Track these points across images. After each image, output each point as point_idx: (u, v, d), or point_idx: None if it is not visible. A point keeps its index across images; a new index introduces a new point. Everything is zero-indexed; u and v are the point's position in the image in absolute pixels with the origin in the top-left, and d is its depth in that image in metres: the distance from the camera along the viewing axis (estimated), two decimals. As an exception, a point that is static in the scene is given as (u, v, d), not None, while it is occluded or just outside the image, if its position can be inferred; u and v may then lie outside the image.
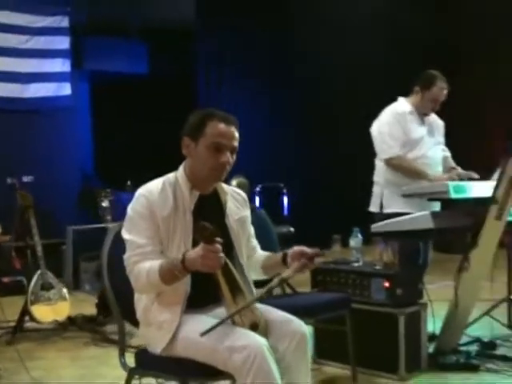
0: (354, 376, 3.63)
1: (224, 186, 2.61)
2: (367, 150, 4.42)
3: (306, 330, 2.44)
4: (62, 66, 8.00)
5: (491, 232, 3.73)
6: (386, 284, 3.61)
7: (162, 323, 2.40)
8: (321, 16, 8.82)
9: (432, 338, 3.98)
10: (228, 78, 8.36)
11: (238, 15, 8.32)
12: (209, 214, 2.40)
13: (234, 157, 2.48)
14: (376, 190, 4.30)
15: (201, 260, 2.17)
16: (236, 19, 8.33)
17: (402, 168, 4.11)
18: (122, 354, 2.62)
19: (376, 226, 3.78)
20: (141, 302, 2.48)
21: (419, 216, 3.60)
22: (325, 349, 3.90)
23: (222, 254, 2.18)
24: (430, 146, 4.24)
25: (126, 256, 2.40)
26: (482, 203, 3.71)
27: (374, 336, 3.67)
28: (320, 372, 3.83)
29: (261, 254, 2.70)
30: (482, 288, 4.02)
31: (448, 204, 3.95)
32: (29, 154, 7.48)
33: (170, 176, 2.52)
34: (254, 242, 2.72)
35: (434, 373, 3.71)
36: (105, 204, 5.02)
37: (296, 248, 2.46)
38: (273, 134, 8.59)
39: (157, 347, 2.41)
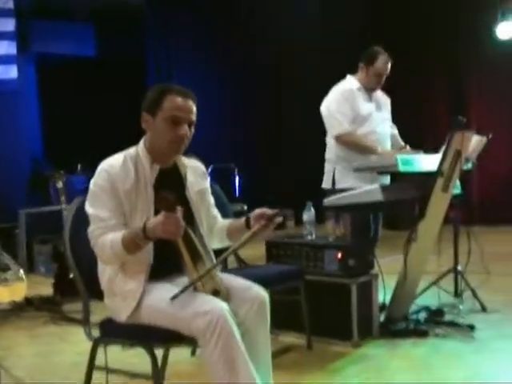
0: (309, 344, 3.78)
1: (184, 159, 2.69)
2: (318, 128, 4.54)
3: (266, 295, 2.56)
4: (7, 48, 7.85)
5: (438, 204, 3.91)
6: (339, 255, 3.76)
7: (127, 293, 2.48)
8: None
9: (383, 307, 4.15)
10: (177, 58, 8.37)
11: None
12: (169, 187, 2.47)
13: (193, 130, 2.56)
14: (328, 166, 4.43)
15: (161, 227, 2.26)
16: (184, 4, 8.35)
17: (352, 144, 4.24)
18: (86, 325, 2.69)
19: (328, 201, 3.91)
20: (105, 273, 2.55)
21: (369, 189, 3.74)
22: (281, 319, 3.96)
23: (182, 222, 2.27)
24: (379, 121, 4.38)
25: (89, 230, 2.47)
26: (430, 176, 3.88)
27: (327, 306, 3.81)
28: (276, 341, 3.93)
29: (223, 222, 2.80)
30: (430, 261, 4.20)
31: (397, 178, 4.11)
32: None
33: (131, 150, 2.59)
34: (215, 212, 2.82)
35: (385, 339, 3.88)
36: (59, 185, 5.00)
37: (257, 210, 2.57)
38: (223, 115, 8.66)
39: (121, 316, 2.50)
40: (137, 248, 2.37)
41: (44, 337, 4.26)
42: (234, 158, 7.83)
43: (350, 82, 4.40)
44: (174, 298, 2.32)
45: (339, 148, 4.32)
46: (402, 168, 3.67)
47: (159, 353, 2.95)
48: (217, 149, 8.14)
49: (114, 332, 2.57)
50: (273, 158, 8.95)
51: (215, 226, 2.78)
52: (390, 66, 4.33)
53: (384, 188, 3.74)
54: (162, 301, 2.40)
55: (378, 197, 3.70)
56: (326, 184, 4.39)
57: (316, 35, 8.96)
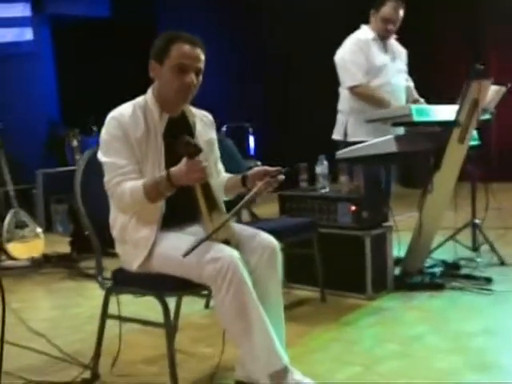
0: (323, 297, 3.78)
1: (192, 108, 2.67)
2: (330, 80, 4.47)
3: (277, 244, 2.54)
4: (22, 10, 7.87)
5: (454, 155, 3.86)
6: (352, 208, 3.73)
7: (138, 241, 2.48)
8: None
9: (398, 261, 4.13)
10: (190, 18, 8.28)
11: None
12: (178, 136, 2.45)
13: (200, 79, 2.52)
14: (340, 118, 4.36)
15: (186, 174, 2.24)
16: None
17: (366, 95, 4.17)
18: (99, 274, 2.70)
19: (340, 153, 3.87)
20: (117, 221, 2.54)
21: (383, 140, 3.68)
22: (294, 273, 4.03)
23: (206, 164, 2.25)
24: (393, 73, 4.29)
25: (106, 179, 2.44)
26: (445, 126, 3.82)
27: (341, 259, 3.80)
28: (290, 295, 3.96)
29: (224, 175, 2.79)
30: (446, 217, 4.16)
31: (412, 130, 4.06)
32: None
33: (139, 99, 2.57)
34: (220, 165, 2.81)
35: (400, 292, 3.87)
36: (74, 144, 5.03)
37: (256, 168, 2.55)
38: (235, 76, 8.58)
39: (133, 264, 2.50)
40: (159, 196, 2.36)
41: (61, 291, 4.32)
42: (248, 118, 7.78)
43: (365, 32, 4.31)
44: (187, 254, 2.28)
45: (353, 99, 4.25)
46: (415, 118, 3.60)
47: (172, 303, 3.02)
48: (230, 108, 8.10)
49: (125, 281, 2.58)
50: (286, 115, 8.86)
51: (218, 179, 2.76)
52: (401, 12, 4.22)
53: (398, 139, 3.69)
54: (173, 249, 2.39)
55: (392, 148, 3.64)
56: (338, 135, 4.33)
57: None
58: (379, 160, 3.79)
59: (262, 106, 8.76)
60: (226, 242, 2.42)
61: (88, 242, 2.76)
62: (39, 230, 4.88)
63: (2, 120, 6.57)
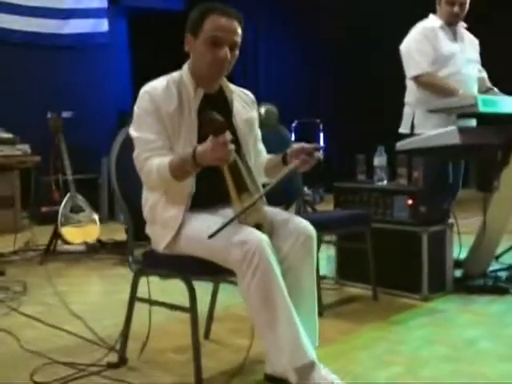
0: (375, 295, 3.58)
1: (231, 85, 2.54)
2: (398, 73, 4.25)
3: (313, 230, 2.37)
4: (99, 2, 7.98)
5: (524, 150, 3.58)
6: (409, 201, 3.52)
7: (167, 220, 2.37)
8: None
9: (459, 264, 3.88)
10: (263, 13, 8.18)
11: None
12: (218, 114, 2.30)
13: (237, 53, 2.39)
14: (407, 110, 4.15)
15: (210, 153, 2.11)
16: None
17: (432, 85, 3.93)
18: (130, 254, 2.62)
19: (401, 144, 3.65)
20: (148, 200, 2.45)
21: (446, 131, 3.44)
22: (347, 269, 3.86)
23: (231, 146, 2.12)
24: (464, 62, 4.05)
25: (135, 154, 2.36)
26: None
27: (397, 256, 3.59)
28: (341, 291, 3.79)
29: (265, 157, 2.65)
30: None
31: (480, 123, 3.79)
32: (67, 91, 7.49)
33: (175, 74, 2.47)
34: (261, 146, 2.66)
35: (459, 295, 3.62)
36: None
37: (294, 145, 2.40)
38: (306, 71, 8.40)
39: (160, 245, 2.40)
40: (185, 174, 2.24)
41: (111, 277, 4.28)
42: (318, 113, 7.60)
43: (432, 20, 4.09)
44: (212, 235, 2.16)
45: (419, 90, 4.03)
46: (482, 109, 3.33)
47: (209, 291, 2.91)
48: (303, 104, 7.95)
49: (153, 263, 2.49)
50: (356, 110, 8.58)
51: (258, 161, 2.62)
52: None
53: (462, 130, 3.43)
54: (200, 230, 2.27)
55: (455, 139, 3.39)
56: (405, 128, 4.11)
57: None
58: (442, 152, 3.55)
59: (331, 101, 8.55)
60: (258, 227, 2.28)
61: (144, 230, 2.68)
62: (95, 215, 4.88)
63: (74, 109, 6.72)
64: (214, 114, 2.12)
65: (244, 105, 2.57)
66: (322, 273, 3.74)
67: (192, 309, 2.32)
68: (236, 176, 2.29)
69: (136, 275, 2.55)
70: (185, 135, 2.36)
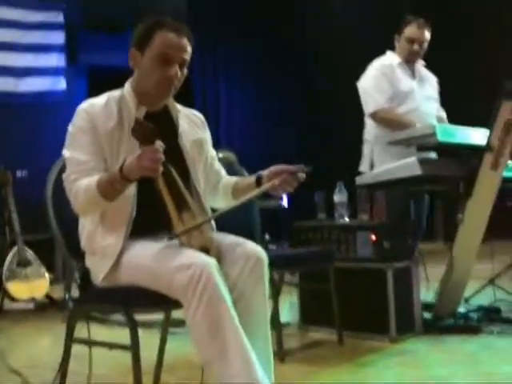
0: (340, 338, 3.35)
1: (177, 104, 2.38)
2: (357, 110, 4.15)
3: (263, 253, 2.16)
4: (57, 60, 7.85)
5: (487, 183, 3.44)
6: (372, 237, 3.35)
7: (106, 248, 2.14)
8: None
9: (427, 307, 3.69)
10: (223, 65, 8.15)
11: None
12: (158, 134, 2.07)
13: (185, 71, 2.23)
14: (366, 148, 4.04)
15: (136, 162, 1.91)
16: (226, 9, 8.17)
17: (389, 120, 3.84)
18: (68, 290, 2.39)
19: (361, 178, 3.51)
20: (84, 229, 2.23)
21: (406, 163, 3.32)
22: (310, 313, 3.65)
23: (160, 154, 1.93)
24: (422, 99, 3.97)
25: (65, 175, 2.16)
26: (475, 151, 3.43)
27: (362, 296, 3.41)
28: (304, 337, 3.56)
29: (229, 178, 2.46)
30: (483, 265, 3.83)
31: (440, 154, 3.69)
32: (23, 149, 7.30)
33: (115, 92, 2.30)
34: (219, 167, 2.47)
35: (428, 335, 3.42)
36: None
37: (273, 167, 2.22)
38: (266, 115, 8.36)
39: (99, 276, 2.17)
40: (113, 192, 2.03)
41: (59, 332, 3.93)
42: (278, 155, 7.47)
43: (390, 57, 4.04)
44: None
45: (377, 127, 3.93)
46: (440, 138, 3.23)
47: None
48: (259, 147, 7.85)
49: (90, 296, 2.26)
50: (314, 149, 8.50)
51: (220, 182, 2.43)
52: (426, 33, 3.93)
53: (423, 161, 3.31)
54: (142, 256, 2.07)
55: (417, 171, 3.27)
56: (364, 167, 3.98)
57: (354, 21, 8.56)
58: (402, 185, 3.42)
59: (292, 142, 8.49)
60: (204, 251, 2.07)
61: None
62: (43, 269, 4.60)
63: (29, 168, 6.53)
64: (142, 120, 1.94)
65: (192, 125, 2.39)
66: (283, 320, 3.52)
67: (133, 346, 2.07)
68: (173, 189, 2.08)
69: (72, 313, 2.31)
70: (124, 155, 2.15)
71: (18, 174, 7.08)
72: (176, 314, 3.55)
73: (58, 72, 7.85)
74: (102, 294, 2.20)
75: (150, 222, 2.18)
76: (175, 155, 2.22)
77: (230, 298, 1.98)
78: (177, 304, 2.00)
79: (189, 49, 2.22)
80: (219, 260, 2.09)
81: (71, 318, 2.30)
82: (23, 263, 4.53)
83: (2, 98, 7.36)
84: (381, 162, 3.87)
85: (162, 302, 2.05)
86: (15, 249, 4.57)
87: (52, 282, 4.88)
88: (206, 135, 2.45)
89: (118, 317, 4.00)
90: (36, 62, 7.70)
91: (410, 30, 3.92)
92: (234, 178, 2.45)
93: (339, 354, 3.19)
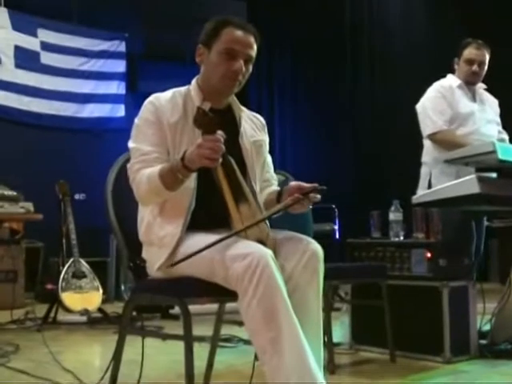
0: (393, 356, 3.28)
1: (240, 105, 2.42)
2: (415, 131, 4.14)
3: (319, 248, 2.16)
4: (117, 88, 8.13)
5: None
6: (428, 254, 3.30)
7: (163, 238, 2.17)
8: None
9: (483, 335, 3.59)
10: (279, 95, 8.23)
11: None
12: (219, 129, 2.09)
13: (250, 68, 2.28)
14: (424, 170, 4.00)
15: (197, 150, 1.95)
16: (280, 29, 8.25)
17: (448, 142, 3.79)
18: (124, 282, 2.41)
19: (417, 197, 3.46)
20: (143, 220, 2.27)
21: (464, 180, 3.25)
22: (362, 333, 3.58)
23: (221, 144, 1.96)
24: (483, 122, 3.93)
25: (129, 165, 2.22)
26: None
27: (415, 315, 3.33)
28: (356, 355, 3.50)
29: (270, 190, 2.45)
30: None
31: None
32: (81, 173, 7.47)
33: (182, 88, 2.37)
34: (270, 174, 2.48)
35: (484, 359, 3.31)
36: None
37: (292, 183, 2.23)
38: (324, 153, 8.36)
39: (155, 266, 2.19)
40: (175, 181, 2.06)
41: (110, 342, 3.96)
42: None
43: (450, 80, 4.02)
44: (206, 248, 1.98)
45: (436, 149, 3.90)
46: (501, 156, 3.16)
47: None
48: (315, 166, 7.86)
49: (145, 287, 2.28)
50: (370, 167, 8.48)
51: (266, 189, 2.44)
52: (486, 54, 3.92)
53: (482, 179, 3.24)
54: (198, 246, 2.08)
55: (475, 189, 3.20)
56: (422, 189, 3.94)
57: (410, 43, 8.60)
58: (460, 202, 3.35)
59: (347, 159, 8.47)
60: (261, 242, 2.08)
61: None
62: (97, 282, 4.66)
63: (85, 191, 6.69)
64: (205, 110, 1.98)
65: (253, 127, 2.43)
66: (335, 340, 3.47)
67: (186, 335, 2.08)
68: (232, 183, 2.11)
69: (128, 302, 2.33)
70: (186, 146, 2.18)
71: (76, 196, 7.22)
72: (225, 330, 3.61)
73: (118, 99, 8.10)
74: (156, 285, 2.22)
75: (208, 214, 2.22)
76: (235, 153, 2.25)
77: (286, 290, 1.97)
78: (231, 295, 2.00)
79: (254, 46, 2.28)
80: (275, 253, 2.08)
81: (126, 307, 2.33)
82: (78, 275, 4.61)
83: (63, 123, 7.62)
84: (439, 184, 3.81)
85: (217, 292, 2.06)
86: (71, 260, 4.65)
87: (104, 302, 4.96)
88: (266, 138, 2.48)
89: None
90: (97, 88, 7.98)
91: (468, 52, 3.92)
92: (272, 188, 2.45)
93: (391, 371, 3.12)
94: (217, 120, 1.98)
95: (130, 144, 2.26)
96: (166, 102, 2.26)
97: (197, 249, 2.03)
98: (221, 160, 2.00)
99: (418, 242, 3.40)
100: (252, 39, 2.27)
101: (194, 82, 2.36)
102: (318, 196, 2.16)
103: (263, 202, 2.39)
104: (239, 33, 2.24)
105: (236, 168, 2.14)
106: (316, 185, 2.15)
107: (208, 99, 2.27)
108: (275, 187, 2.47)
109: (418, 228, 3.47)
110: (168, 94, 2.31)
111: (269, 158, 2.50)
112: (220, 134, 1.97)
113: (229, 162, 2.10)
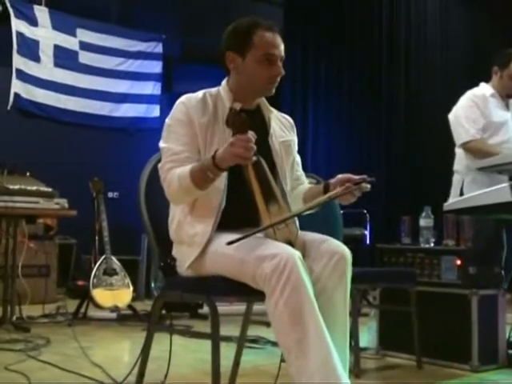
0: (419, 363, 3.27)
1: (270, 106, 2.45)
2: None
3: (347, 251, 2.17)
4: (153, 88, 8.18)
5: None
6: (458, 262, 3.28)
7: (194, 237, 2.21)
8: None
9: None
10: (313, 95, 8.19)
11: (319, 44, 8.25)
12: (250, 129, 2.11)
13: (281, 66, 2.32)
14: (456, 178, 3.97)
15: (229, 149, 1.98)
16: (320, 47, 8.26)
17: (481, 151, 3.76)
18: (154, 279, 2.45)
19: (449, 204, 3.44)
20: (174, 219, 2.30)
21: (496, 188, 3.22)
22: (389, 338, 3.58)
23: (253, 143, 1.98)
24: (517, 130, 3.91)
25: (160, 164, 2.26)
26: None
27: (444, 322, 3.32)
28: (383, 361, 3.49)
29: (304, 185, 2.49)
30: None
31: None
32: (114, 172, 7.55)
33: (213, 89, 2.40)
34: (300, 172, 2.52)
35: (512, 369, 3.29)
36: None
37: (341, 175, 2.25)
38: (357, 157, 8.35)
39: (185, 264, 2.23)
40: (205, 180, 2.09)
41: (139, 338, 4.00)
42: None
43: (483, 88, 3.99)
44: (233, 242, 1.99)
45: (468, 158, 3.87)
46: (537, 163, 3.15)
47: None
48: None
49: (175, 284, 2.31)
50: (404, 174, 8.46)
51: (298, 188, 2.47)
52: None
53: (515, 188, 3.23)
54: (228, 246, 2.11)
55: (507, 197, 3.18)
56: (454, 197, 3.91)
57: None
58: (492, 210, 3.32)
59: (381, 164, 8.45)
60: (289, 243, 2.10)
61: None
62: (128, 280, 4.72)
63: (119, 190, 6.77)
64: (237, 109, 2.02)
65: (282, 127, 2.46)
66: (362, 344, 3.47)
67: (214, 334, 2.10)
68: (262, 180, 2.13)
69: (157, 299, 2.37)
70: (217, 146, 2.22)
71: (110, 195, 7.30)
72: (254, 331, 3.63)
73: (154, 100, 8.16)
74: (185, 282, 2.26)
75: (238, 215, 2.24)
76: (264, 153, 2.27)
77: (313, 291, 1.99)
78: (259, 294, 2.02)
79: (282, 44, 2.31)
80: (303, 255, 2.10)
81: (155, 304, 2.37)
82: (109, 272, 4.68)
83: (98, 122, 7.69)
84: (471, 192, 3.79)
85: (245, 292, 2.08)
86: (103, 257, 4.72)
87: (134, 299, 5.02)
88: (294, 138, 2.51)
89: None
90: (133, 88, 8.04)
91: None
92: (307, 185, 2.48)
93: (417, 377, 3.12)
94: (248, 120, 2.01)
95: (161, 144, 2.29)
96: (197, 102, 2.29)
97: (229, 246, 2.06)
98: (253, 159, 2.03)
99: (448, 248, 3.38)
100: (280, 38, 2.31)
101: (224, 83, 2.39)
102: (369, 186, 2.18)
103: (302, 198, 2.42)
104: (269, 35, 2.27)
105: (267, 168, 2.17)
106: (365, 176, 2.19)
107: (238, 100, 2.31)
108: (308, 184, 2.49)
109: (449, 235, 3.46)
110: (199, 94, 2.34)
111: (298, 158, 2.52)
112: (251, 133, 2.00)
113: (260, 162, 2.12)
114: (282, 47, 2.30)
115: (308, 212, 2.25)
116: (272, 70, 2.25)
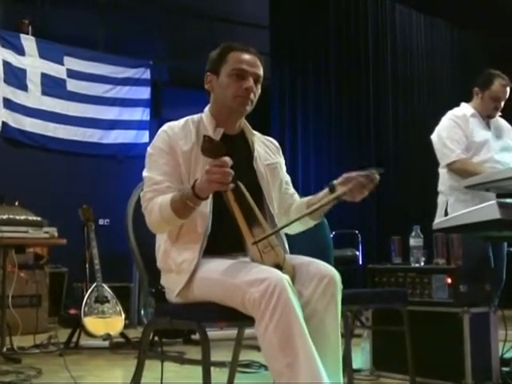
0: (413, 383, 3.23)
1: (252, 130, 2.46)
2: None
3: (336, 274, 2.17)
4: (142, 114, 8.21)
5: None
6: (448, 280, 3.28)
7: (181, 264, 2.21)
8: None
9: (505, 361, 3.55)
10: (301, 117, 8.20)
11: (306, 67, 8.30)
12: (234, 154, 2.10)
13: (259, 88, 2.34)
14: (440, 199, 4.00)
15: (206, 176, 1.98)
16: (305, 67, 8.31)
17: (466, 171, 3.78)
18: (144, 307, 2.44)
19: (438, 223, 3.46)
20: (160, 248, 2.31)
21: (484, 206, 3.24)
22: (383, 359, 3.57)
23: (229, 168, 1.98)
24: (497, 150, 3.93)
25: (141, 193, 2.28)
26: None
27: (436, 341, 3.32)
28: (378, 382, 3.49)
29: (301, 199, 2.50)
30: None
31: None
32: (105, 198, 7.54)
33: (195, 116, 2.41)
34: (292, 190, 2.53)
35: (507, 387, 3.29)
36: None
37: (347, 173, 2.25)
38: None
39: (174, 291, 2.22)
40: (186, 209, 2.10)
41: (129, 366, 4.01)
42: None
43: (463, 108, 4.03)
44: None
45: (452, 178, 3.90)
46: (523, 180, 3.18)
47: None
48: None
49: (164, 311, 2.30)
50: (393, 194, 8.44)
51: (293, 205, 2.48)
52: (508, 89, 3.92)
53: (503, 205, 3.24)
54: (216, 271, 2.11)
55: (495, 214, 3.20)
56: (439, 217, 3.93)
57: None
58: (480, 228, 3.34)
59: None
60: (278, 267, 2.10)
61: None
62: (120, 307, 4.70)
63: (109, 217, 6.78)
64: (211, 137, 2.02)
65: (267, 150, 2.47)
66: (356, 366, 3.46)
67: (204, 360, 2.09)
68: (244, 207, 2.14)
69: (147, 326, 2.36)
70: (200, 174, 2.23)
71: (101, 222, 7.27)
72: (246, 356, 3.61)
73: (143, 125, 8.19)
74: (175, 309, 2.25)
75: (224, 240, 2.25)
76: (250, 177, 2.30)
77: (303, 314, 1.98)
78: (249, 319, 2.02)
79: (261, 66, 2.34)
80: (292, 279, 2.11)
81: (145, 331, 2.36)
82: (101, 300, 4.65)
83: (88, 149, 7.71)
84: (454, 212, 3.80)
85: (234, 317, 2.08)
86: (94, 285, 4.70)
87: (127, 327, 4.99)
88: (281, 160, 2.52)
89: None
90: (122, 115, 8.07)
91: (495, 89, 3.91)
92: (306, 198, 2.48)
93: (412, 399, 3.09)
94: (222, 146, 2.01)
95: (144, 173, 2.31)
96: (179, 130, 2.30)
97: (216, 271, 2.09)
98: (232, 185, 2.03)
99: (438, 267, 3.39)
100: (257, 60, 2.33)
101: (206, 109, 2.41)
102: (378, 177, 2.19)
103: (306, 205, 2.40)
104: (244, 54, 2.31)
105: (246, 192, 2.17)
106: (372, 171, 2.20)
107: (220, 125, 2.32)
108: (304, 198, 2.50)
109: (439, 254, 3.47)
110: (181, 122, 2.35)
111: (287, 178, 2.54)
112: (227, 158, 2.00)
113: (238, 186, 2.12)
114: (259, 69, 2.32)
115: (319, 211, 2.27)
116: (241, 84, 2.27)
